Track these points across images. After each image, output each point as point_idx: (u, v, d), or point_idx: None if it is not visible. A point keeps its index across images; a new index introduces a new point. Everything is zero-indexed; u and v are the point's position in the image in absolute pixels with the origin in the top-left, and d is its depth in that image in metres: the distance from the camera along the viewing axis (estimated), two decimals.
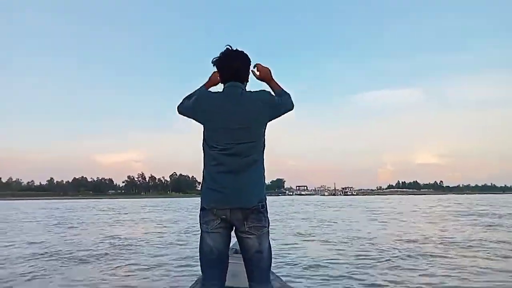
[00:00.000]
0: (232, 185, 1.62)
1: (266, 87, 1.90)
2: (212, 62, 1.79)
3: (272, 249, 1.75)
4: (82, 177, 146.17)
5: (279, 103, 1.77)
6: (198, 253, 1.71)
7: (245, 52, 1.79)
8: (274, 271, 2.83)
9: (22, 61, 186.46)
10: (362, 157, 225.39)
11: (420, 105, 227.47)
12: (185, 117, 1.83)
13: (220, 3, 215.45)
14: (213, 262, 1.67)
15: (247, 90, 1.79)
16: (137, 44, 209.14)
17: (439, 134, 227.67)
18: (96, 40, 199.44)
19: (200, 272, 1.75)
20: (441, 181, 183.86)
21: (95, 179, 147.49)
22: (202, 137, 1.73)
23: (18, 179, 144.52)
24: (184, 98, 1.88)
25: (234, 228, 1.69)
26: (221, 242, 1.67)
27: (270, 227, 1.74)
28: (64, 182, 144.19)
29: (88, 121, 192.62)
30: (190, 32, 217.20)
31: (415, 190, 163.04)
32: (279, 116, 1.79)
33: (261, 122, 1.71)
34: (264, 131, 1.74)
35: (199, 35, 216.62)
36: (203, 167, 1.72)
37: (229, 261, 1.75)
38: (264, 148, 1.74)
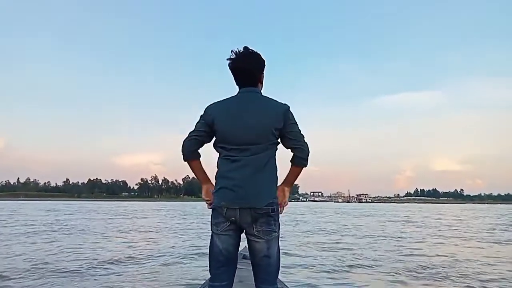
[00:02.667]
0: (242, 185, 1.62)
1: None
2: (227, 60, 1.72)
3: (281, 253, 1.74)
4: (97, 178, 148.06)
5: (298, 131, 1.73)
6: (208, 254, 1.72)
7: (259, 53, 1.76)
8: (282, 279, 2.56)
9: (42, 63, 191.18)
10: (379, 163, 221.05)
11: (440, 109, 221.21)
12: (205, 144, 1.76)
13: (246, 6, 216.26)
14: (222, 263, 1.67)
15: (263, 95, 1.78)
16: (159, 47, 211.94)
17: (460, 140, 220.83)
18: (118, 42, 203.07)
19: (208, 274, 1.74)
20: (462, 189, 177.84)
21: (109, 181, 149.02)
22: (214, 139, 1.73)
23: (36, 179, 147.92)
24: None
25: (244, 231, 1.69)
26: (231, 244, 1.67)
27: (280, 232, 1.73)
28: (80, 184, 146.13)
29: (107, 123, 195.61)
30: (212, 36, 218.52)
31: (434, 198, 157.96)
32: (287, 137, 1.70)
33: (275, 127, 1.66)
34: (278, 137, 1.70)
35: (221, 39, 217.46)
36: (216, 168, 1.72)
37: (238, 266, 1.75)
38: (275, 152, 1.72)
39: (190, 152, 1.73)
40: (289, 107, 1.72)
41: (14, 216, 20.88)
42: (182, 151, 1.73)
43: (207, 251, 1.72)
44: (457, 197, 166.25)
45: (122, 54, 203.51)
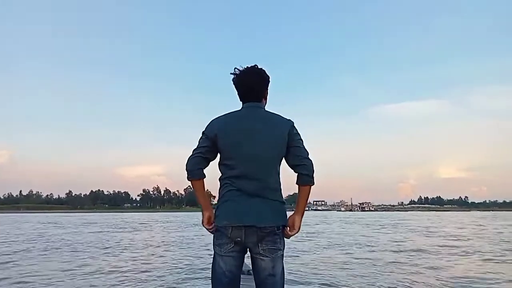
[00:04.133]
0: (247, 205, 1.59)
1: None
2: (231, 75, 1.72)
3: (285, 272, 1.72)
4: (99, 190, 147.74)
5: (303, 147, 1.68)
6: (210, 274, 1.68)
7: (263, 69, 1.75)
8: None
9: (42, 73, 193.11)
10: (382, 172, 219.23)
11: (443, 116, 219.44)
12: (210, 162, 1.73)
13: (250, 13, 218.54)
14: (225, 285, 1.64)
15: (267, 110, 1.74)
16: (163, 59, 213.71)
17: (464, 147, 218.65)
18: (122, 53, 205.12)
19: None
20: (466, 197, 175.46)
21: (111, 193, 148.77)
22: (219, 159, 1.70)
23: (38, 192, 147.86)
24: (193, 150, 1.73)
25: (247, 251, 1.66)
26: (234, 266, 1.64)
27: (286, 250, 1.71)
28: (82, 195, 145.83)
29: (111, 136, 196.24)
30: (214, 49, 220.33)
31: (438, 206, 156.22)
32: (292, 153, 1.66)
33: (281, 143, 1.63)
34: (282, 154, 1.66)
35: (224, 52, 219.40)
36: (219, 187, 1.69)
37: (241, 282, 1.73)
38: (279, 168, 1.69)
39: (195, 170, 1.67)
40: (293, 122, 1.69)
41: (10, 229, 20.58)
42: (186, 169, 1.68)
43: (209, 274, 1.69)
44: (462, 204, 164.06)
45: (124, 68, 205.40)
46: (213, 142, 1.65)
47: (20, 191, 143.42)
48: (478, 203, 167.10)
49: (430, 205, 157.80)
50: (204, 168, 1.70)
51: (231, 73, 1.71)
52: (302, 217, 1.70)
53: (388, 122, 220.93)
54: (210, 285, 1.69)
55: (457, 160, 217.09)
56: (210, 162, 1.72)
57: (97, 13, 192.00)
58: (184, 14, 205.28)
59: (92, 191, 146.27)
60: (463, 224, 27.43)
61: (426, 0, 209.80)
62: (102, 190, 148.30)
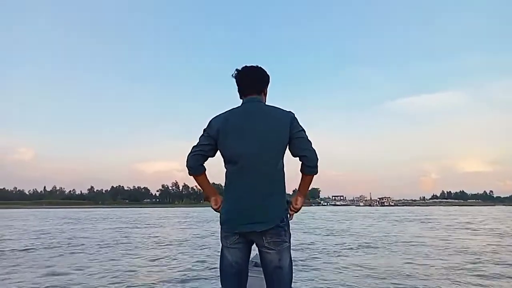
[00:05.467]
0: (249, 206, 1.61)
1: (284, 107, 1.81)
2: (232, 76, 1.78)
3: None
4: (119, 186, 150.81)
5: (304, 137, 1.68)
6: (219, 266, 1.73)
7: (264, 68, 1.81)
8: None
9: (64, 74, 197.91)
10: (402, 166, 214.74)
11: (466, 108, 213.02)
12: (209, 157, 1.75)
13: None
14: (232, 276, 1.69)
15: (267, 104, 1.77)
16: (179, 56, 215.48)
17: (488, 140, 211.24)
18: (141, 55, 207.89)
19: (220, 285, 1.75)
20: (491, 191, 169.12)
21: (131, 188, 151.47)
22: (222, 155, 1.71)
23: (62, 188, 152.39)
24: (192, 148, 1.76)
25: (254, 243, 1.69)
26: (241, 257, 1.68)
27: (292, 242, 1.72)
28: (104, 191, 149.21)
29: (132, 132, 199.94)
30: (230, 43, 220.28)
31: (461, 200, 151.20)
32: (294, 144, 1.67)
33: (283, 136, 1.65)
34: (285, 146, 1.68)
35: (238, 45, 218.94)
36: (224, 182, 1.71)
37: (250, 274, 1.78)
38: (283, 161, 1.70)
39: (195, 167, 1.71)
40: (294, 114, 1.71)
41: (20, 224, 20.91)
42: (187, 166, 1.72)
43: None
44: (486, 198, 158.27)
45: (147, 66, 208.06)
46: (214, 139, 1.67)
47: (44, 187, 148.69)
48: (504, 197, 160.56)
49: (453, 200, 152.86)
50: (203, 163, 1.74)
51: (233, 72, 1.76)
52: (304, 198, 1.78)
53: (407, 115, 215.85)
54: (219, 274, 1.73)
55: (481, 153, 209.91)
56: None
57: (107, 14, 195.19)
58: (203, 14, 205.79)
59: (113, 187, 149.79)
60: (500, 219, 25.63)
61: None
62: (123, 186, 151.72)
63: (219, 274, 1.73)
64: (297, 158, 1.68)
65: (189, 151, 1.71)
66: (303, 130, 1.68)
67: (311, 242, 10.83)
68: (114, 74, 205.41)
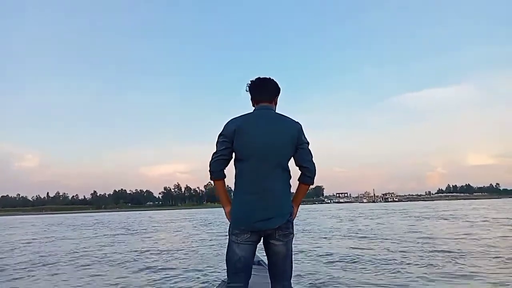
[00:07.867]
0: (259, 205, 1.71)
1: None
2: (246, 86, 1.92)
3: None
4: (122, 189, 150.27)
5: (307, 149, 1.85)
6: (225, 260, 1.82)
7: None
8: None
9: (66, 80, 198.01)
10: (407, 161, 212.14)
11: (471, 101, 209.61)
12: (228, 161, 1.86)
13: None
14: (239, 269, 1.78)
15: (277, 112, 1.90)
16: (185, 60, 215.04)
17: (493, 134, 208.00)
18: (141, 58, 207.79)
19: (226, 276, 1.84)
20: (497, 184, 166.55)
21: (134, 191, 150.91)
22: (234, 156, 1.82)
23: (65, 193, 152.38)
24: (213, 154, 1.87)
25: (262, 238, 1.80)
26: (250, 252, 1.78)
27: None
28: (107, 195, 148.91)
29: (135, 136, 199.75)
30: (238, 49, 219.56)
31: (467, 194, 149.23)
32: (299, 155, 1.82)
33: (291, 144, 1.78)
34: (291, 154, 1.80)
35: (247, 51, 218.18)
36: (234, 186, 1.83)
37: (252, 272, 1.88)
38: (288, 167, 1.83)
39: (218, 171, 1.82)
40: (301, 126, 1.85)
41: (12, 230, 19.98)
42: (210, 171, 1.84)
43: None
44: (493, 191, 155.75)
45: (147, 68, 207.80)
46: (230, 140, 1.77)
47: (47, 193, 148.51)
48: (510, 190, 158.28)
49: (458, 194, 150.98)
50: (225, 169, 1.85)
51: (246, 88, 1.92)
52: (298, 207, 1.92)
53: (411, 111, 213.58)
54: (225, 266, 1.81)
55: (487, 146, 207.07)
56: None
57: (124, 13, 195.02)
58: (215, 16, 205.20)
59: (115, 190, 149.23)
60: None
61: None
62: (125, 190, 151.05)
63: (225, 268, 1.80)
64: (298, 167, 1.83)
65: (211, 158, 1.82)
66: (308, 142, 1.84)
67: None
68: (116, 79, 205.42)
